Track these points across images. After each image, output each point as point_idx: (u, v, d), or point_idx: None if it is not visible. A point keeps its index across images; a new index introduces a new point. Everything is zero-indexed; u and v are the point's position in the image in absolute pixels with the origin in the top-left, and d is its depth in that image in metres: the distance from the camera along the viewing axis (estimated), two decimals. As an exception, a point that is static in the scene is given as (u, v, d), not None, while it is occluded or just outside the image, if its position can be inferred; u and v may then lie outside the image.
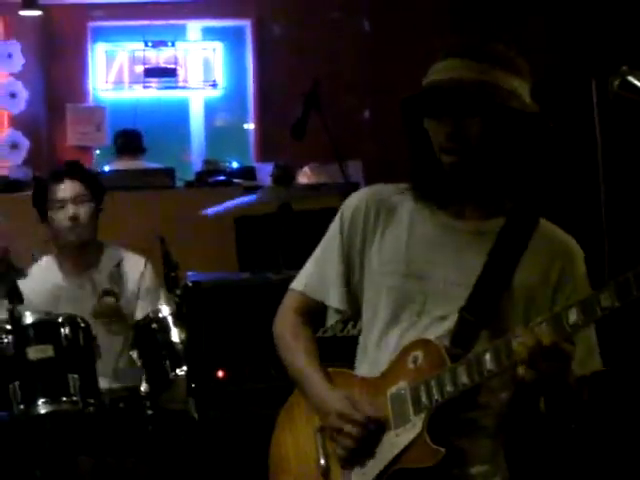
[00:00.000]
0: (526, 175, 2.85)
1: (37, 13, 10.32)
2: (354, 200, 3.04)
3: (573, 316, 2.51)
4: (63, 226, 5.13)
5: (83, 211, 5.14)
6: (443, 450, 2.68)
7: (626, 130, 2.37)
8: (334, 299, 3.04)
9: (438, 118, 2.79)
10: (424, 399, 2.74)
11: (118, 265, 5.22)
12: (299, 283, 3.11)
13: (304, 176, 8.21)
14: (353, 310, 3.06)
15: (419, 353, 2.80)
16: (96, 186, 5.25)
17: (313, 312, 3.10)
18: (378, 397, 2.85)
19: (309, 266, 3.11)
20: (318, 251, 3.10)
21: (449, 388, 2.70)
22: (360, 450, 2.82)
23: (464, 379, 2.68)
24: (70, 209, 5.12)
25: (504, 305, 2.83)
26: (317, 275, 3.07)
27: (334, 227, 3.05)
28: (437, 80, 2.79)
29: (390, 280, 2.91)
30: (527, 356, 2.52)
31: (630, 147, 2.96)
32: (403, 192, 2.96)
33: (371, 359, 2.96)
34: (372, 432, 2.80)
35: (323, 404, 2.91)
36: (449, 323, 2.83)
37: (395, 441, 2.78)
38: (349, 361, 3.08)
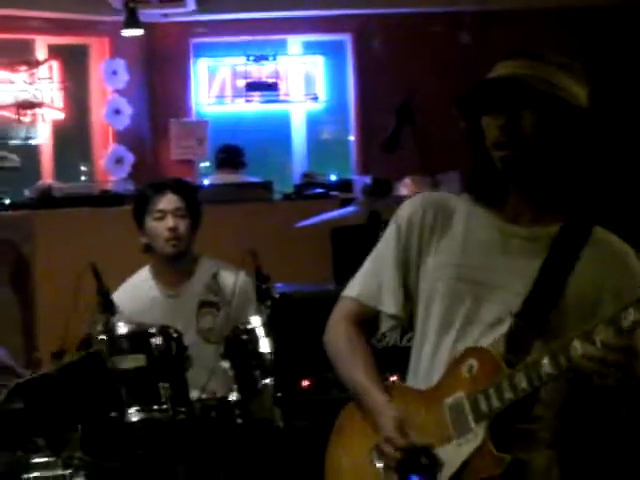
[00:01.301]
0: (582, 176, 2.83)
1: (139, 32, 10.42)
2: (410, 207, 3.02)
3: (630, 316, 2.50)
4: (161, 236, 5.21)
5: (182, 224, 5.21)
6: (508, 457, 2.67)
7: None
8: (389, 305, 3.02)
9: (491, 113, 2.80)
10: (484, 407, 2.73)
11: (215, 276, 5.29)
12: (352, 290, 3.08)
13: (405, 187, 8.21)
14: (407, 316, 3.04)
15: (474, 362, 2.79)
16: (195, 203, 5.33)
17: (366, 319, 3.07)
18: (434, 408, 2.84)
19: (362, 273, 3.08)
20: (371, 258, 3.08)
21: (508, 395, 2.69)
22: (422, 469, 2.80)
23: (523, 384, 2.67)
24: (170, 220, 5.20)
25: (558, 313, 2.81)
26: (371, 281, 3.04)
27: (389, 234, 3.03)
28: (488, 77, 2.81)
29: (443, 285, 2.91)
30: (590, 360, 2.53)
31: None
32: (459, 197, 2.96)
33: (425, 368, 2.96)
34: (416, 457, 2.77)
35: (378, 423, 2.88)
36: (502, 329, 2.81)
37: (458, 451, 2.76)
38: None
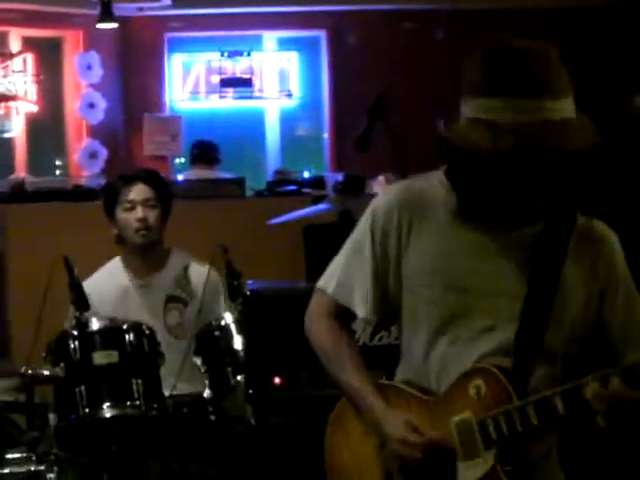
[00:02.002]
0: (563, 178, 2.78)
1: (114, 26, 10.42)
2: (386, 198, 2.96)
3: None
4: (131, 227, 5.22)
5: (152, 214, 5.22)
6: None
7: None
8: (360, 309, 2.99)
9: None
10: (493, 434, 2.75)
11: (185, 270, 5.31)
12: (327, 285, 3.05)
13: (378, 185, 8.23)
14: (379, 318, 3.03)
15: (481, 383, 2.79)
16: (165, 193, 5.34)
17: (342, 313, 3.04)
18: (440, 423, 2.84)
19: (337, 267, 3.03)
20: (346, 254, 3.02)
21: (519, 428, 2.71)
22: (429, 476, 2.82)
23: (534, 421, 2.69)
24: (140, 211, 5.21)
25: (554, 319, 2.80)
26: (345, 281, 3.00)
27: (364, 227, 2.96)
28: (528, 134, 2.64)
29: (430, 292, 2.87)
30: (604, 407, 2.57)
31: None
32: (437, 187, 2.89)
33: (418, 370, 2.95)
34: (437, 457, 2.80)
35: (381, 428, 2.88)
36: (498, 335, 2.82)
37: (466, 474, 2.80)
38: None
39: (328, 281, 3.05)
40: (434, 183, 2.90)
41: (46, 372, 4.57)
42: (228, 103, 11.73)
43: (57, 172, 11.44)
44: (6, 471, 4.45)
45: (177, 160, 11.31)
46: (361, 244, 2.96)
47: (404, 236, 2.89)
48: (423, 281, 2.89)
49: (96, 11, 10.24)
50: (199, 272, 5.25)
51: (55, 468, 4.44)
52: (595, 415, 2.62)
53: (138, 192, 5.22)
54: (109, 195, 5.31)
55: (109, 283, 5.31)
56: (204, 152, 9.98)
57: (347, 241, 3.04)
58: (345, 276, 3.00)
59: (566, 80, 2.70)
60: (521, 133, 2.59)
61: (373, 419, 2.91)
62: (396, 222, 2.88)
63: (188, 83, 11.69)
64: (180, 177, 9.51)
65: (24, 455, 4.51)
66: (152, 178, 5.39)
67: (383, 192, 3.07)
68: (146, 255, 5.30)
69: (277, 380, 4.74)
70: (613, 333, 2.85)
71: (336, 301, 3.03)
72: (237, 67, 11.70)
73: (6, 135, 11.16)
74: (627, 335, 2.84)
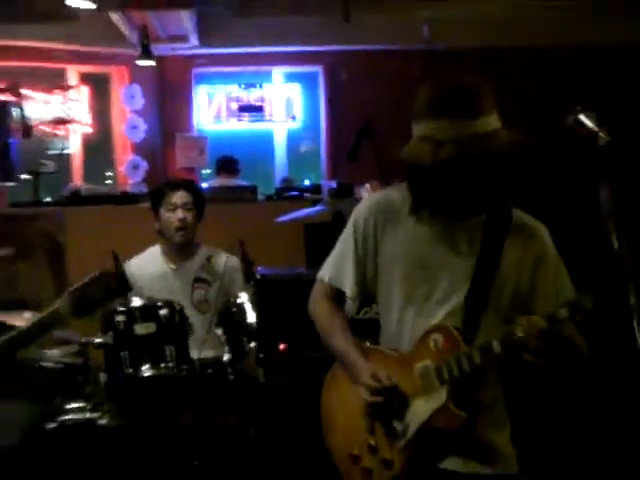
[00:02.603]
0: (497, 179, 2.84)
1: (151, 63, 10.42)
2: (364, 209, 3.06)
3: (563, 313, 2.61)
4: (172, 225, 5.27)
5: (189, 216, 5.27)
6: (464, 415, 2.79)
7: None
8: (347, 287, 3.10)
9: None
10: (446, 375, 2.81)
11: (209, 258, 5.35)
12: (324, 273, 3.17)
13: (364, 191, 8.21)
14: (364, 297, 3.13)
15: (439, 337, 2.86)
16: (200, 199, 5.38)
17: (337, 296, 3.16)
18: (406, 371, 2.89)
19: (331, 259, 3.16)
20: (337, 247, 3.14)
21: (466, 367, 2.78)
22: (396, 413, 2.89)
23: (478, 360, 2.76)
24: (180, 212, 5.25)
25: (496, 290, 2.87)
26: (336, 268, 3.12)
27: (349, 230, 3.08)
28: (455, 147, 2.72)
29: (400, 271, 2.96)
30: (530, 340, 2.64)
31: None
32: (404, 191, 2.94)
33: (394, 334, 3.01)
34: (396, 399, 2.87)
35: (359, 379, 2.95)
36: (452, 304, 2.88)
37: (425, 406, 2.85)
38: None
39: (325, 271, 3.18)
40: (403, 189, 2.96)
41: (98, 340, 4.60)
42: (244, 125, 11.72)
43: (107, 181, 11.45)
44: (67, 417, 4.48)
45: (203, 171, 11.30)
46: (347, 242, 3.08)
47: (379, 234, 3.00)
48: (394, 264, 2.97)
49: (137, 51, 10.20)
50: (221, 260, 5.30)
51: (105, 416, 4.47)
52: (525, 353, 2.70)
53: (180, 197, 5.26)
54: (156, 197, 5.36)
55: (150, 264, 5.37)
56: (227, 165, 9.98)
57: (338, 239, 3.15)
58: (337, 266, 3.12)
59: (490, 102, 2.78)
60: (455, 145, 2.69)
61: (354, 373, 2.99)
62: (372, 224, 3.01)
63: (212, 109, 11.67)
64: (205, 185, 9.51)
65: (81, 405, 4.54)
66: (191, 187, 5.45)
67: (364, 200, 3.14)
68: (180, 248, 5.34)
69: (282, 346, 4.77)
70: (540, 294, 2.91)
71: (331, 285, 3.14)
72: (251, 96, 11.70)
73: (65, 152, 11.16)
74: (549, 295, 2.89)
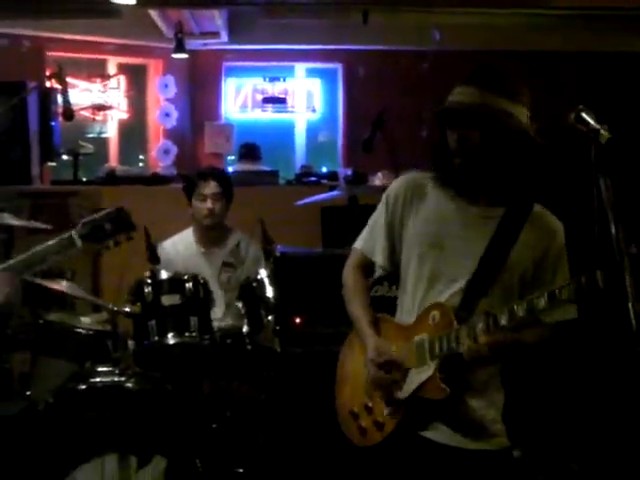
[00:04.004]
0: (520, 174, 2.83)
1: (185, 56, 10.43)
2: (396, 185, 3.06)
3: (541, 302, 2.55)
4: (202, 214, 5.22)
5: (218, 205, 5.23)
6: (448, 390, 2.75)
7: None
8: (379, 258, 3.09)
9: (451, 129, 2.82)
10: (437, 350, 2.79)
11: (237, 245, 5.31)
12: (359, 243, 3.16)
13: (377, 179, 8.17)
14: (392, 268, 3.08)
15: (436, 313, 2.83)
16: (229, 188, 5.33)
17: (367, 265, 3.15)
18: (407, 342, 2.89)
19: (366, 231, 3.15)
20: (371, 221, 3.13)
21: (453, 344, 2.75)
22: (391, 380, 2.88)
23: (465, 340, 2.72)
24: (209, 203, 5.21)
25: (502, 278, 2.81)
26: (369, 239, 3.12)
27: (382, 205, 3.08)
28: (450, 101, 2.82)
29: (418, 249, 2.94)
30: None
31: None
32: (432, 178, 2.96)
33: (409, 309, 2.98)
34: (394, 367, 2.87)
35: (366, 346, 2.97)
36: (458, 285, 2.84)
37: (417, 376, 2.83)
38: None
39: (359, 242, 3.17)
40: (427, 176, 2.97)
41: (127, 309, 4.57)
42: (268, 115, 11.66)
43: (140, 164, 11.42)
44: (97, 380, 4.44)
45: (229, 157, 11.25)
46: (379, 215, 3.09)
47: (406, 210, 2.99)
48: (414, 241, 2.95)
49: (172, 45, 10.20)
50: (249, 247, 5.28)
51: (132, 380, 4.43)
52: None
53: (209, 188, 5.24)
54: (188, 186, 5.35)
55: (182, 247, 5.35)
56: (249, 151, 9.92)
57: (373, 214, 3.15)
58: (369, 236, 3.12)
59: (519, 94, 2.81)
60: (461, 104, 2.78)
61: (362, 339, 3.02)
62: (401, 200, 3.00)
63: (239, 100, 11.62)
64: (230, 169, 9.47)
65: (110, 369, 4.50)
66: (221, 176, 5.42)
67: (398, 178, 3.12)
68: (211, 232, 5.31)
69: (298, 320, 4.72)
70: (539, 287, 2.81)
71: (362, 253, 3.14)
72: (275, 89, 11.65)
73: (103, 135, 11.17)
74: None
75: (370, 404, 2.98)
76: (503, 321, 2.64)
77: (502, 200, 2.87)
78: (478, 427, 2.89)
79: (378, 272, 3.15)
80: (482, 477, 2.87)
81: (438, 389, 2.77)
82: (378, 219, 3.09)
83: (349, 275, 3.19)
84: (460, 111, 2.79)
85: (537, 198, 2.92)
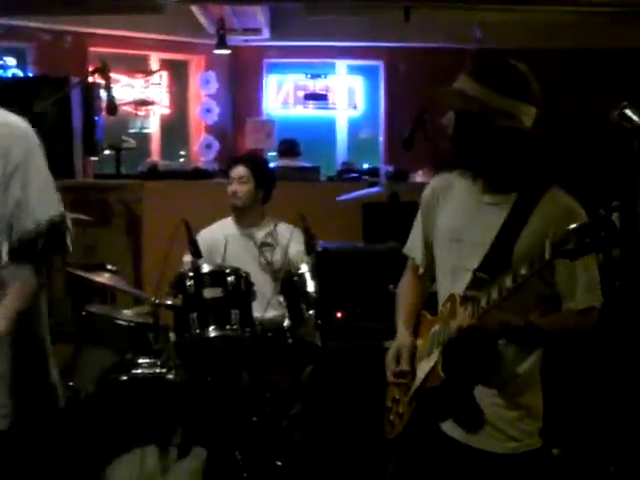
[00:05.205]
0: (526, 165, 2.79)
1: (227, 52, 10.46)
2: (428, 187, 3.08)
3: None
4: (231, 196, 5.31)
5: (242, 188, 5.30)
6: (443, 375, 2.75)
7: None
8: (417, 257, 3.13)
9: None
10: (440, 339, 2.81)
11: (274, 226, 5.35)
12: (405, 247, 3.21)
13: (419, 176, 8.15)
14: (429, 264, 3.10)
15: (448, 304, 2.84)
16: (258, 170, 5.38)
17: (415, 266, 3.17)
18: (427, 334, 2.93)
19: (409, 236, 3.18)
20: (413, 227, 3.17)
21: (453, 333, 2.74)
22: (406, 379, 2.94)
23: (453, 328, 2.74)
24: (234, 185, 5.29)
25: (514, 260, 2.72)
26: (410, 241, 3.17)
27: (419, 211, 3.12)
28: (451, 88, 2.85)
29: (442, 243, 2.97)
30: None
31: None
32: (456, 175, 2.94)
33: (439, 301, 2.97)
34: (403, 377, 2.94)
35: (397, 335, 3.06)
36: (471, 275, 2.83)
37: (425, 367, 2.87)
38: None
39: (406, 245, 3.20)
40: (455, 173, 2.95)
41: (168, 302, 4.59)
42: (309, 112, 11.69)
43: (181, 159, 11.50)
44: (139, 371, 4.48)
45: (270, 153, 11.30)
46: (418, 216, 3.12)
47: (437, 207, 3.01)
48: (441, 235, 2.98)
49: (214, 41, 10.25)
50: (284, 228, 5.30)
51: (173, 372, 4.46)
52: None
53: (236, 171, 5.33)
54: (226, 171, 5.45)
55: (221, 231, 5.40)
56: (289, 147, 9.93)
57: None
58: (411, 239, 3.16)
59: (533, 94, 2.79)
60: (466, 100, 2.77)
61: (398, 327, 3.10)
62: (434, 198, 3.03)
63: (280, 96, 11.65)
64: (271, 165, 9.49)
65: (151, 361, 4.53)
66: (249, 160, 5.49)
67: (428, 184, 3.11)
68: (244, 214, 5.38)
69: (339, 314, 4.73)
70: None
71: (408, 256, 3.19)
72: (317, 85, 11.68)
73: (145, 131, 11.24)
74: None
75: (397, 396, 3.01)
76: (494, 294, 2.61)
77: (512, 187, 2.83)
78: (492, 427, 2.83)
79: (420, 271, 3.16)
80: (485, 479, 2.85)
81: (436, 375, 2.78)
82: (416, 221, 3.14)
83: (403, 279, 3.24)
84: (456, 102, 2.81)
85: (554, 183, 2.84)
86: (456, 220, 2.92)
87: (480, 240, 2.82)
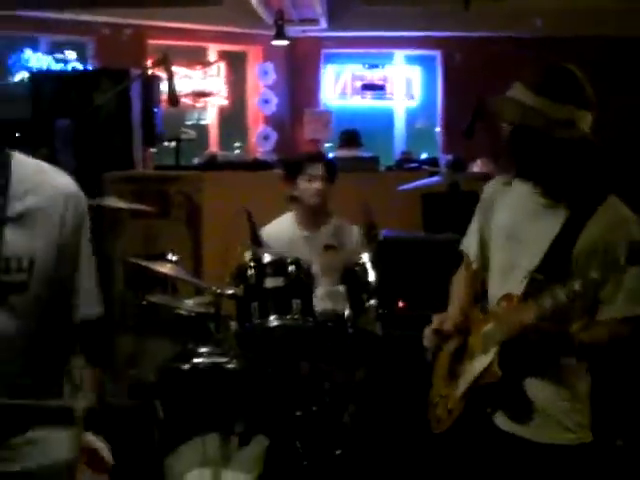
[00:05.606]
0: (580, 174, 2.79)
1: (285, 43, 10.49)
2: (486, 188, 3.14)
3: (594, 274, 2.51)
4: (309, 193, 5.24)
5: (325, 187, 5.24)
6: (500, 373, 2.78)
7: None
8: (472, 254, 3.18)
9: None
10: (498, 336, 2.82)
11: (339, 228, 5.32)
12: (461, 244, 3.26)
13: (476, 166, 8.11)
14: (482, 261, 3.14)
15: (504, 304, 2.86)
16: (333, 171, 5.35)
17: (467, 259, 3.23)
18: (478, 332, 2.95)
19: (467, 231, 3.24)
20: (471, 224, 3.21)
21: (509, 331, 2.77)
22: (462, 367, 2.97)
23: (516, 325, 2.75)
24: (318, 184, 5.23)
25: (570, 264, 2.76)
26: (466, 237, 3.23)
27: (476, 209, 3.17)
28: (506, 98, 2.85)
29: (499, 240, 3.00)
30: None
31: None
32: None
33: (490, 300, 3.01)
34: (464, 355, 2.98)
35: None
36: (528, 275, 2.84)
37: (479, 364, 2.88)
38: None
39: (463, 241, 3.26)
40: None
41: (230, 291, 4.60)
42: (367, 102, 11.73)
43: (236, 151, 11.54)
44: (199, 360, 4.50)
45: (326, 144, 11.30)
46: (475, 212, 3.17)
47: (493, 208, 3.06)
48: (496, 234, 3.02)
49: (272, 32, 10.28)
50: (349, 230, 5.26)
51: (234, 361, 4.47)
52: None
53: (318, 169, 5.25)
54: (294, 167, 5.33)
55: (282, 231, 5.33)
56: (350, 137, 9.91)
57: None
58: (467, 235, 3.22)
59: (588, 100, 2.77)
60: (524, 113, 2.76)
61: None
62: (490, 201, 3.09)
63: (338, 86, 11.70)
64: (331, 155, 9.50)
65: (212, 350, 4.55)
66: (329, 160, 5.46)
67: (480, 173, 3.22)
68: (314, 214, 5.31)
69: (401, 304, 4.71)
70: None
71: (463, 252, 3.24)
72: (374, 76, 11.71)
73: (202, 122, 11.31)
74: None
75: (445, 392, 3.04)
76: (561, 296, 2.60)
77: (570, 194, 2.83)
78: (549, 419, 2.85)
79: (474, 266, 3.18)
80: (543, 471, 2.84)
81: (492, 373, 2.79)
82: (473, 217, 3.18)
83: (457, 272, 3.28)
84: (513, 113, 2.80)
85: (612, 191, 2.85)
86: (514, 219, 2.94)
87: (536, 241, 2.84)
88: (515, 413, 2.86)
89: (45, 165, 2.35)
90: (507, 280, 2.90)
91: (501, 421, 2.90)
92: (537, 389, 2.84)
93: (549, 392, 2.84)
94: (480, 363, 2.86)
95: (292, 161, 5.54)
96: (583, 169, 2.78)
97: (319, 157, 5.45)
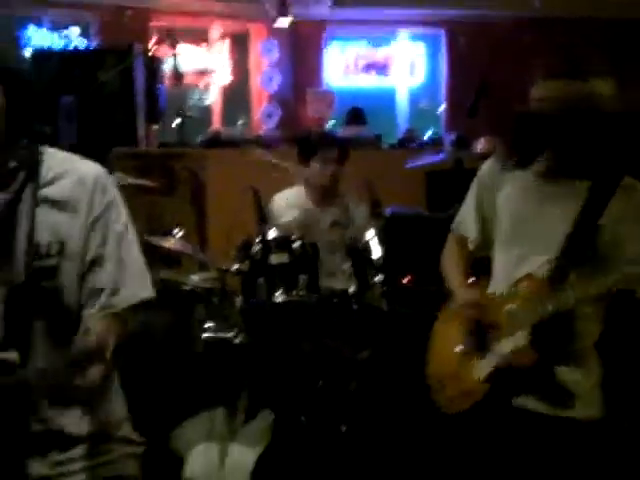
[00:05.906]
0: (606, 148, 2.81)
1: (289, 19, 10.46)
2: (485, 166, 3.11)
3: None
4: (323, 174, 5.20)
5: (337, 169, 5.20)
6: (537, 356, 2.77)
7: None
8: (470, 232, 3.15)
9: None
10: (528, 318, 2.80)
11: (347, 206, 5.31)
12: (453, 224, 3.26)
13: (479, 144, 8.10)
14: (483, 238, 3.12)
15: (527, 284, 2.84)
16: (345, 155, 5.31)
17: (462, 239, 3.20)
18: (497, 312, 2.90)
19: (459, 212, 3.22)
20: (464, 203, 3.19)
21: (546, 314, 2.76)
22: (482, 348, 2.93)
23: (550, 309, 2.74)
24: (333, 168, 5.19)
25: (594, 246, 2.78)
26: (460, 216, 3.21)
27: (472, 185, 3.14)
28: (541, 98, 2.82)
29: (507, 221, 2.97)
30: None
31: None
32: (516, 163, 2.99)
33: (499, 279, 3.00)
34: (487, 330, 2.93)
35: (456, 296, 3.06)
36: (547, 257, 2.82)
37: (507, 345, 2.85)
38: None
39: (454, 222, 3.25)
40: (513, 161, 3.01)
41: (235, 267, 4.61)
42: (370, 81, 11.69)
43: (242, 128, 11.52)
44: (206, 335, 4.52)
45: (328, 122, 11.29)
46: (471, 191, 3.15)
47: (494, 191, 3.04)
48: (503, 215, 3.00)
49: (276, 10, 10.27)
50: (357, 209, 5.25)
51: (239, 336, 4.49)
52: None
53: (334, 152, 5.20)
54: (310, 148, 5.28)
55: (295, 203, 5.31)
56: (356, 115, 9.92)
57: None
58: (460, 214, 3.21)
59: (596, 68, 2.79)
60: (554, 102, 2.76)
61: (454, 293, 3.09)
62: (489, 182, 3.07)
63: (340, 65, 11.66)
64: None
65: (218, 325, 4.57)
66: (343, 144, 5.39)
67: (483, 151, 3.20)
68: (325, 192, 5.29)
69: (406, 279, 4.73)
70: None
71: (455, 232, 3.23)
72: (378, 55, 11.67)
73: (206, 100, 11.30)
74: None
75: (460, 373, 3.00)
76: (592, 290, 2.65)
77: (589, 172, 2.84)
78: (571, 396, 2.86)
79: (471, 245, 3.18)
80: (570, 445, 2.85)
81: (528, 356, 2.78)
82: (469, 195, 3.15)
83: (445, 249, 3.27)
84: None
85: (627, 170, 2.86)
86: (525, 202, 2.93)
87: (556, 224, 2.83)
88: (544, 393, 2.85)
89: (73, 155, 2.40)
90: (522, 262, 2.89)
91: (529, 402, 2.88)
92: (564, 368, 2.85)
93: (574, 371, 2.86)
94: (507, 345, 2.84)
95: (307, 143, 5.49)
96: (607, 142, 2.80)
97: (335, 141, 5.39)
